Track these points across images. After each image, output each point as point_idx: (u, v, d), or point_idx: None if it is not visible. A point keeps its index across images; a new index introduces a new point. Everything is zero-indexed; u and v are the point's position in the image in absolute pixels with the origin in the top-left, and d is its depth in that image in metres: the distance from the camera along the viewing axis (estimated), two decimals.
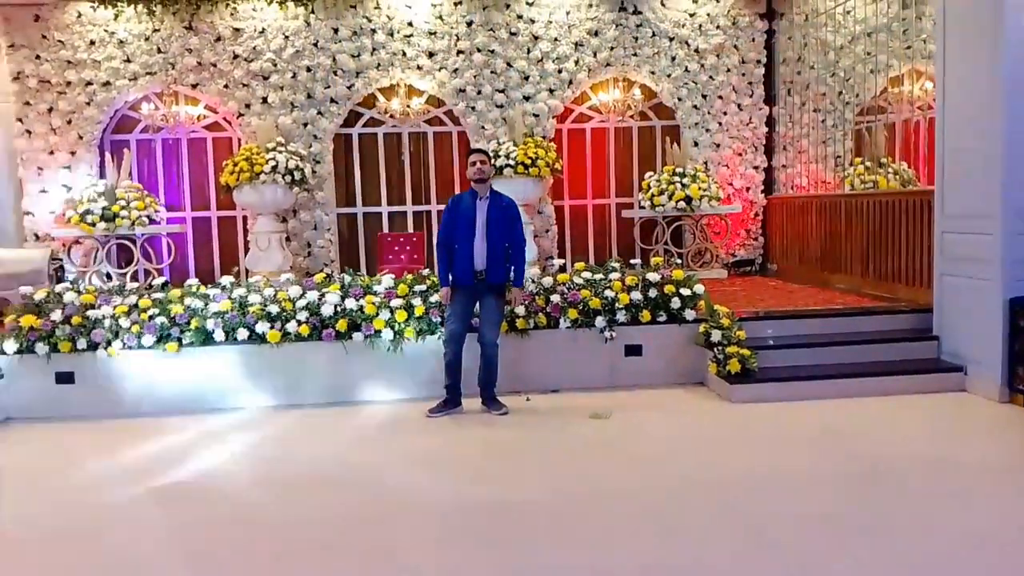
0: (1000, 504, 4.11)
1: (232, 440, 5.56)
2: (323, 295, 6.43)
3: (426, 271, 6.98)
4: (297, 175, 9.39)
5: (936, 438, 5.22)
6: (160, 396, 6.25)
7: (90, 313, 6.22)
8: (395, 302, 6.36)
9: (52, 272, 8.99)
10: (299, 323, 6.28)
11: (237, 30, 9.89)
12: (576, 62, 10.29)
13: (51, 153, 9.75)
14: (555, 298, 6.55)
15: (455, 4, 10.09)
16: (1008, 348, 5.85)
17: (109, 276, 9.44)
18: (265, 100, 9.95)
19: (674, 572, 3.47)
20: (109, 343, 6.17)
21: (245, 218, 10.23)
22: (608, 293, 6.55)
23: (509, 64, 10.21)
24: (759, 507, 4.09)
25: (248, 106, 9.96)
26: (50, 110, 9.72)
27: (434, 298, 6.36)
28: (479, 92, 10.18)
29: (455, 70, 10.14)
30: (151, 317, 6.24)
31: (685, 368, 6.64)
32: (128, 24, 9.75)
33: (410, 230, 10.43)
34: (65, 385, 6.22)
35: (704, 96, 10.52)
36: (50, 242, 9.52)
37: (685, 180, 9.94)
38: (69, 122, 9.75)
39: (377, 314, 6.31)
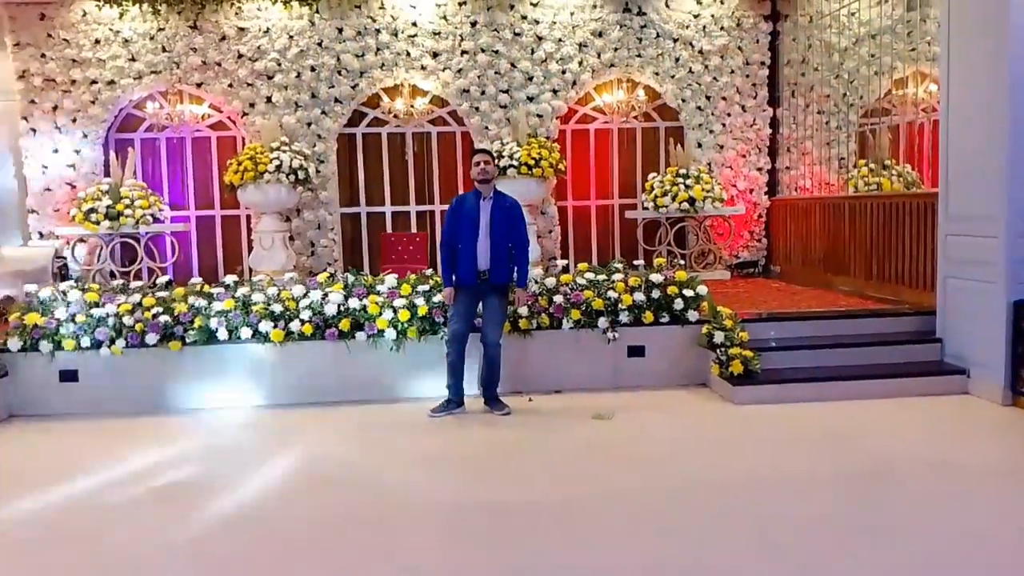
0: (1001, 506, 4.10)
1: (234, 439, 5.58)
2: (326, 294, 6.44)
3: (429, 271, 6.99)
4: (301, 174, 9.40)
5: (938, 441, 5.22)
6: (163, 395, 6.27)
7: (94, 311, 6.24)
8: (398, 302, 6.37)
9: (56, 270, 9.03)
10: (302, 322, 6.29)
11: (242, 29, 9.90)
12: (580, 63, 10.29)
13: (55, 151, 9.77)
14: (558, 298, 6.55)
15: (459, 4, 10.10)
16: (1012, 351, 5.84)
17: (113, 274, 9.46)
18: (269, 99, 9.96)
19: (676, 573, 3.47)
20: (113, 341, 6.18)
21: (249, 217, 10.25)
22: (611, 294, 6.55)
23: (513, 65, 10.21)
24: (761, 508, 4.09)
25: (252, 105, 9.97)
26: (55, 108, 9.75)
27: (437, 298, 6.37)
28: (483, 92, 10.19)
29: (459, 70, 10.14)
30: (155, 316, 6.26)
31: (688, 369, 6.64)
32: (133, 23, 9.77)
33: (413, 230, 10.44)
34: (68, 383, 6.23)
35: (708, 97, 10.52)
36: (54, 240, 9.54)
37: (688, 181, 9.94)
38: (74, 120, 9.77)
39: (380, 314, 6.32)
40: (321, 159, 10.09)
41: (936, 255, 6.67)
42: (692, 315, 6.62)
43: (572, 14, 10.25)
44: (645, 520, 4.00)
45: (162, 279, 6.78)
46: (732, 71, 10.53)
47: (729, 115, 10.58)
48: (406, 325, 6.30)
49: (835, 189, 9.89)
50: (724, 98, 10.55)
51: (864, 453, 4.92)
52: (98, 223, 9.12)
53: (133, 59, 9.79)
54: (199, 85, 9.93)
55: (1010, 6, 5.70)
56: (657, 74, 10.42)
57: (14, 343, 6.16)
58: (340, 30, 9.99)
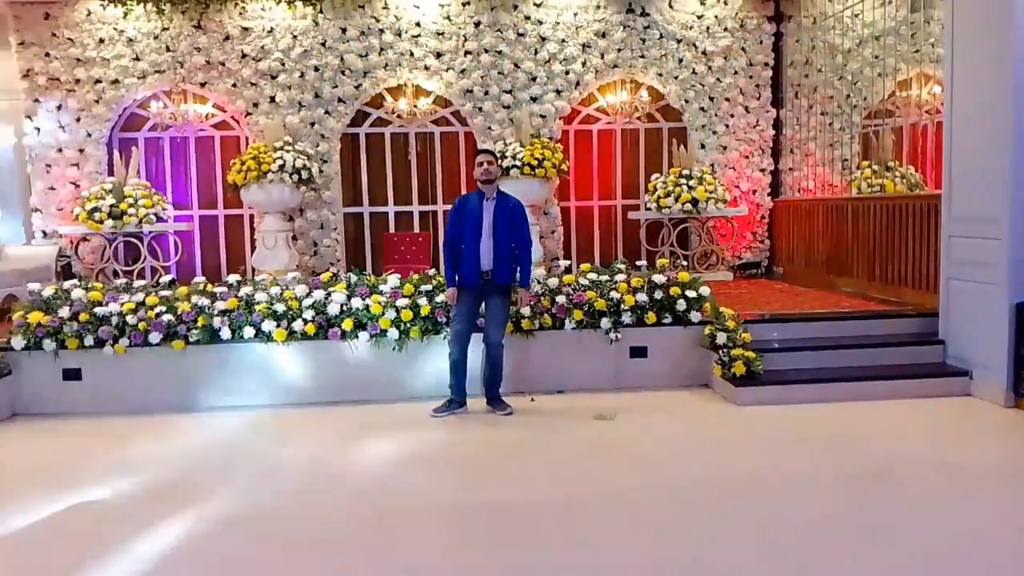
0: (1002, 507, 4.10)
1: (236, 438, 5.59)
2: (329, 294, 6.45)
3: (432, 271, 7.00)
4: (304, 174, 9.41)
5: (940, 442, 5.21)
6: (166, 394, 6.28)
7: (97, 310, 6.25)
8: (401, 301, 6.37)
9: (59, 269, 9.06)
10: (305, 322, 6.30)
11: (246, 29, 9.92)
12: (583, 63, 10.29)
13: (60, 150, 9.79)
14: (561, 299, 6.55)
15: (463, 5, 10.11)
16: (1014, 353, 5.83)
17: (116, 273, 9.47)
18: (273, 99, 9.98)
19: (677, 573, 3.47)
20: (116, 340, 6.20)
21: (252, 217, 10.27)
22: (614, 294, 6.56)
23: (516, 65, 10.22)
24: (762, 509, 4.09)
25: (256, 105, 9.99)
26: (59, 107, 9.77)
27: (440, 298, 6.38)
28: (486, 93, 10.19)
29: (462, 71, 10.15)
30: (158, 315, 6.27)
31: (690, 370, 6.64)
32: (137, 22, 9.79)
33: (416, 230, 10.44)
34: (72, 382, 6.25)
35: (711, 98, 10.52)
36: (58, 239, 9.57)
37: (691, 182, 9.94)
38: (78, 120, 9.79)
39: (383, 313, 6.33)
40: (324, 159, 10.10)
41: (939, 257, 6.67)
42: (695, 316, 6.62)
43: (576, 15, 10.25)
44: (647, 520, 4.00)
45: (165, 278, 6.78)
46: (735, 72, 10.52)
47: (732, 116, 10.58)
48: (409, 325, 6.31)
49: (838, 190, 9.88)
50: (727, 99, 10.55)
51: (866, 454, 4.92)
52: (101, 222, 9.15)
53: (137, 58, 9.81)
54: (203, 85, 9.95)
55: (1014, 8, 5.69)
56: (660, 75, 10.42)
57: (18, 342, 6.18)
58: (344, 30, 10.00)
